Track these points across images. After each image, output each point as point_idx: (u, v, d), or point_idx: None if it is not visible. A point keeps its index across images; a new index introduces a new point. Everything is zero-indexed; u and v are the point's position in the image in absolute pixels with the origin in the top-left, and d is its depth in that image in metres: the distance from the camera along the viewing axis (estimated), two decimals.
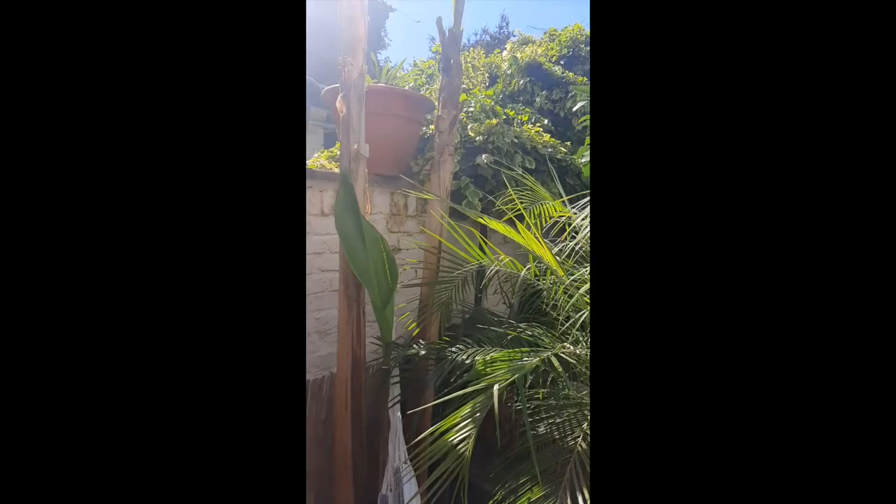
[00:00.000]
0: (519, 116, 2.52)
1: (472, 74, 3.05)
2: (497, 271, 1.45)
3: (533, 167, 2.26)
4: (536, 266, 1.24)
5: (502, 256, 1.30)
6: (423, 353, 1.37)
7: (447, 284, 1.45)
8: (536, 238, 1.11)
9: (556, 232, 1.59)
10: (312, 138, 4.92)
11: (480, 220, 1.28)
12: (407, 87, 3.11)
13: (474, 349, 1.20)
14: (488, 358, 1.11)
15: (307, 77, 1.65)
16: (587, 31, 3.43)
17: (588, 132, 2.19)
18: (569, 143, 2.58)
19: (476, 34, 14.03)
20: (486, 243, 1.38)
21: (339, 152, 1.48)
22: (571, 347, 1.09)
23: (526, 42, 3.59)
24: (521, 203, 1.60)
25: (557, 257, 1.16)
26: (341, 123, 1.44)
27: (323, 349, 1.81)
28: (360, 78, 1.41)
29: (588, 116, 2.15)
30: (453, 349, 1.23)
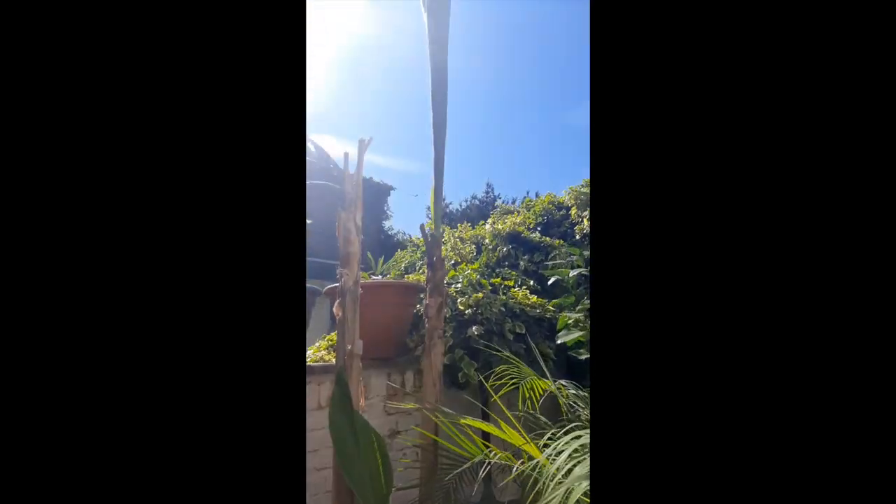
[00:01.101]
0: (506, 282, 2.75)
1: (461, 246, 3.43)
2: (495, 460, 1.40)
3: (523, 331, 2.37)
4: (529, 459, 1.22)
5: (495, 450, 1.28)
6: None
7: (445, 484, 1.39)
8: (519, 431, 1.13)
9: (545, 407, 1.59)
10: (319, 311, 5.20)
11: (464, 420, 1.31)
12: (403, 264, 3.46)
13: None
14: None
15: (310, 284, 1.89)
16: (558, 197, 3.99)
17: (560, 308, 2.40)
18: (556, 300, 2.74)
19: (466, 200, 15.86)
20: (486, 443, 1.38)
21: (336, 347, 1.61)
22: None
23: (506, 212, 4.14)
24: (513, 379, 1.65)
25: (547, 448, 1.15)
26: (339, 325, 1.60)
27: None
28: (355, 285, 1.63)
29: (562, 299, 2.40)
30: None
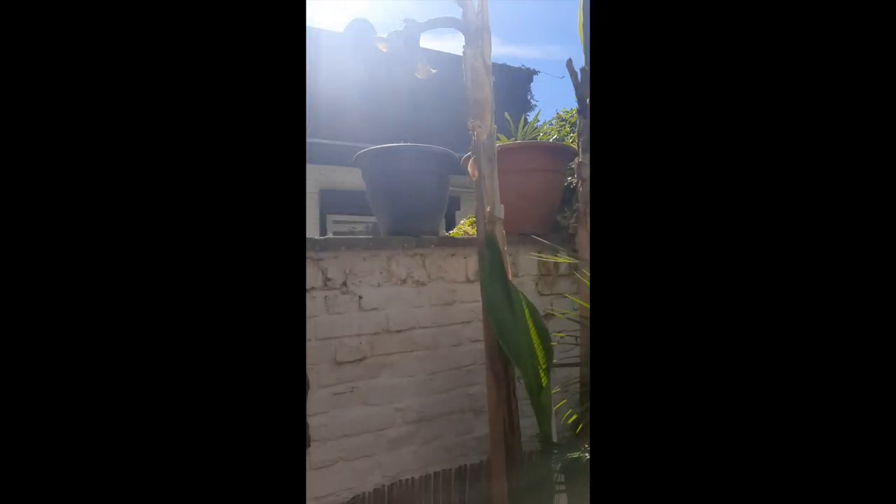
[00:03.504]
0: None
1: None
2: None
3: None
4: None
5: None
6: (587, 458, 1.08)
7: None
8: None
9: None
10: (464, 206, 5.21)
11: None
12: (551, 140, 3.00)
13: None
14: None
15: (443, 148, 1.70)
16: None
17: None
18: None
19: None
20: None
21: (475, 214, 1.42)
22: None
23: None
24: None
25: None
26: (475, 187, 1.39)
27: (478, 429, 1.66)
28: (490, 139, 1.36)
29: None
30: None
